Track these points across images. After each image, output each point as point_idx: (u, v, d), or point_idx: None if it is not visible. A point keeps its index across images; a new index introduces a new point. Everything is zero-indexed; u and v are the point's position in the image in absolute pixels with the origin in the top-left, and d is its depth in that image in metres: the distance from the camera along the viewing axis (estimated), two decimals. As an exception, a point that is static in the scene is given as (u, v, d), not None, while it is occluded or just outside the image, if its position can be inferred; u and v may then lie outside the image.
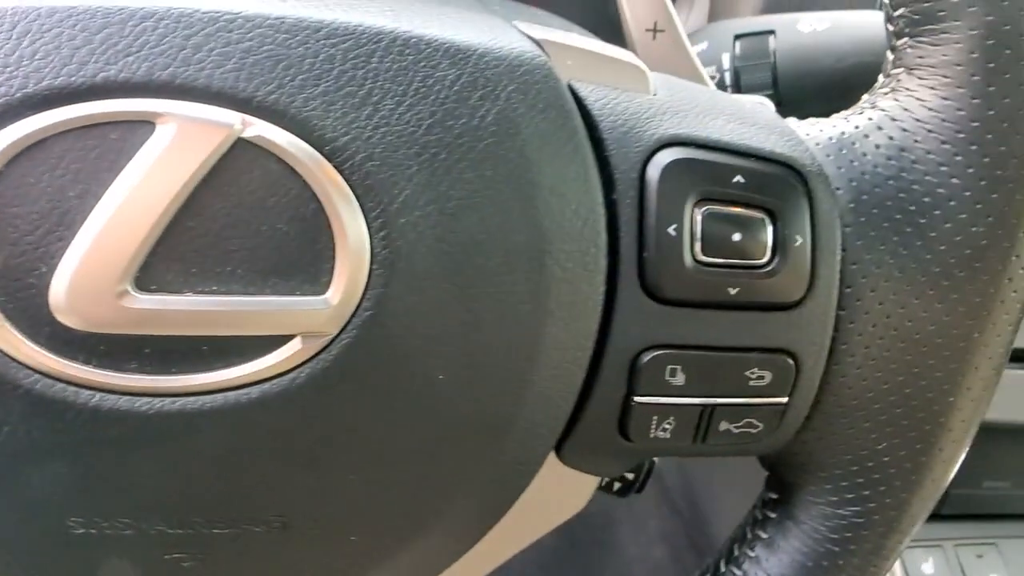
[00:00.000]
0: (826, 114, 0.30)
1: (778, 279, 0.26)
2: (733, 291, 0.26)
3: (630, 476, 0.38)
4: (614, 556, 0.80)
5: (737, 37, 0.43)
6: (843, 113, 0.29)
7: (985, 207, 0.27)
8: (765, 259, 0.26)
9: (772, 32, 0.42)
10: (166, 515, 0.25)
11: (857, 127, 0.28)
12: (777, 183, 0.26)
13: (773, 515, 0.32)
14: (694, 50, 0.44)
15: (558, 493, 0.30)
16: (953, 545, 0.55)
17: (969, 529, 0.56)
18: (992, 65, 0.26)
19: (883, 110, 0.28)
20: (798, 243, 0.26)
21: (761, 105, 0.29)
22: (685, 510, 0.81)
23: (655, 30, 0.32)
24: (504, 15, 0.28)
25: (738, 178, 0.26)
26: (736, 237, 0.26)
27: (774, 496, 0.32)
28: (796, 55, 0.42)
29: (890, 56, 0.29)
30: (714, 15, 0.59)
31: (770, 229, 0.26)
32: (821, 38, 0.42)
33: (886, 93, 0.28)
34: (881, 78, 0.29)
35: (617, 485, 0.38)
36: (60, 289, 0.22)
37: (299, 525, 0.26)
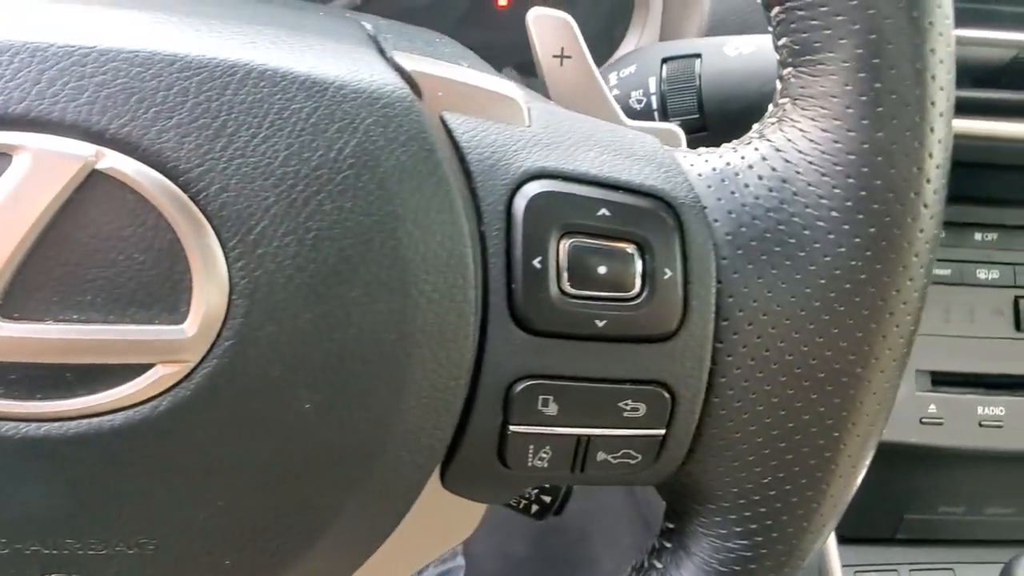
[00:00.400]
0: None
1: (647, 311, 0.26)
2: (601, 323, 0.26)
3: (547, 499, 0.38)
4: (589, 570, 0.80)
5: (664, 61, 0.42)
6: (733, 143, 0.29)
7: (863, 241, 0.26)
8: (634, 291, 0.26)
9: (699, 56, 0.42)
10: (40, 535, 0.25)
11: (743, 157, 0.28)
12: (646, 216, 0.26)
13: (668, 545, 0.31)
14: (623, 73, 0.44)
15: (444, 519, 0.30)
16: (909, 570, 0.54)
17: (925, 554, 0.55)
18: (864, 98, 0.26)
19: (769, 140, 0.28)
20: (667, 276, 0.26)
21: (652, 135, 0.29)
22: (657, 525, 0.80)
23: (562, 56, 0.32)
24: (393, 43, 0.28)
25: (603, 211, 0.26)
26: (602, 270, 0.26)
27: (670, 526, 0.32)
28: (722, 79, 0.42)
29: (778, 86, 0.28)
30: (665, 37, 0.59)
31: (640, 262, 0.26)
32: (746, 62, 0.42)
33: (773, 123, 0.28)
34: (770, 107, 0.29)
35: (535, 508, 0.38)
36: None
37: (172, 548, 0.26)
